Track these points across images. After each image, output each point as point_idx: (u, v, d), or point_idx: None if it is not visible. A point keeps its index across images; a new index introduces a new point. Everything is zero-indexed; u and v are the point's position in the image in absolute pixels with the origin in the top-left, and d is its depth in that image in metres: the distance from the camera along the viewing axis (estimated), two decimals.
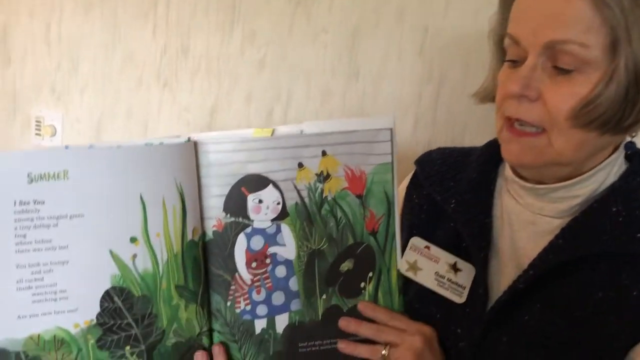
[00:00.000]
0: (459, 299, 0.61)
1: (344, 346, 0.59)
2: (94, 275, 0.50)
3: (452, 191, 0.65)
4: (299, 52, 1.01)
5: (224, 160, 0.56)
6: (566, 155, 0.53)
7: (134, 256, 0.51)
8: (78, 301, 0.50)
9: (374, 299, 0.61)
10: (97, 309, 0.51)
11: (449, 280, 0.61)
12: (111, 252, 0.50)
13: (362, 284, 0.61)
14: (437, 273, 0.62)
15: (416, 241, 0.62)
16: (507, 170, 0.64)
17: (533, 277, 0.55)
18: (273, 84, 1.03)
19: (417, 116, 0.94)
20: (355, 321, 0.59)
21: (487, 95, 0.63)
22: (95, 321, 0.51)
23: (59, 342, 0.50)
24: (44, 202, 0.47)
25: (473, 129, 0.92)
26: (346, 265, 0.60)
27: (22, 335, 0.48)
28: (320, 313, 0.60)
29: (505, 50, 0.57)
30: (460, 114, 0.92)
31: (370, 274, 0.61)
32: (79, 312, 0.50)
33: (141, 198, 0.51)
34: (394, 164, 0.59)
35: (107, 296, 0.51)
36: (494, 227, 0.63)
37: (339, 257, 0.60)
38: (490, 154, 0.67)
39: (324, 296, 0.60)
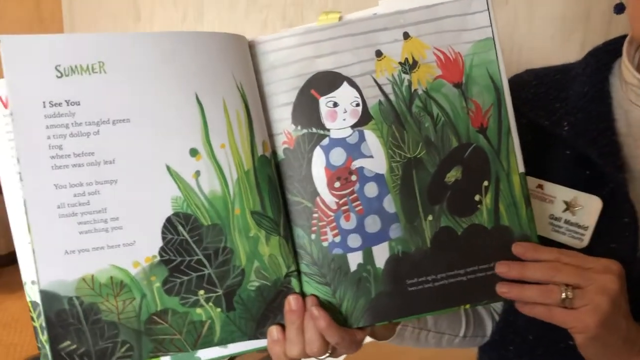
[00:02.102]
0: (580, 242, 0.49)
1: (505, 290, 0.46)
2: (149, 198, 0.41)
3: (560, 112, 0.54)
4: None
5: (287, 58, 0.46)
6: None
7: (197, 173, 0.42)
8: (135, 232, 0.41)
9: (495, 214, 0.48)
10: (159, 242, 0.42)
11: (567, 222, 0.50)
12: (168, 168, 0.41)
13: (477, 197, 0.48)
14: (551, 216, 0.50)
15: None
16: (627, 76, 0.53)
17: None
18: None
19: (584, 40, 0.77)
20: (515, 264, 0.46)
21: None
22: (158, 258, 0.42)
23: (118, 286, 0.41)
24: (79, 103, 0.39)
25: None
26: (453, 175, 0.48)
27: (73, 277, 0.40)
28: (428, 239, 0.47)
29: None
30: None
31: (486, 183, 0.48)
32: (137, 247, 0.41)
33: (197, 98, 0.42)
34: (496, 38, 0.47)
35: (169, 225, 0.42)
36: (623, 146, 0.51)
37: (443, 166, 0.47)
38: (598, 64, 0.56)
39: (430, 217, 0.47)
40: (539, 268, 0.44)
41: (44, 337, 0.45)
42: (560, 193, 0.50)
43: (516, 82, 0.60)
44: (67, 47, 0.38)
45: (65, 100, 0.39)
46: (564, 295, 0.42)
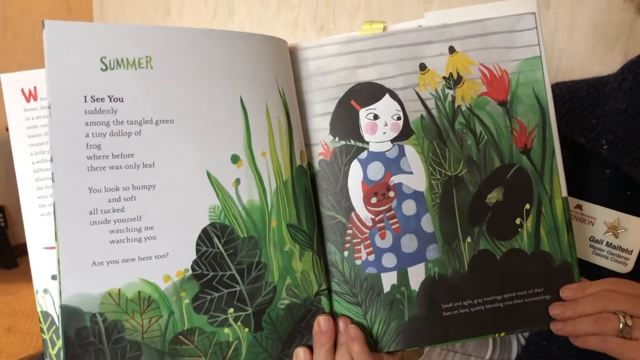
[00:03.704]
0: (624, 267, 0.47)
1: (560, 327, 0.44)
2: (187, 206, 0.38)
3: (598, 130, 0.52)
4: None
5: (328, 67, 0.44)
6: None
7: (237, 181, 0.39)
8: (169, 243, 0.38)
9: (535, 239, 0.46)
10: (193, 255, 0.39)
11: (609, 244, 0.48)
12: (209, 175, 0.39)
13: (518, 220, 0.46)
14: (592, 238, 0.49)
15: None
16: None
17: None
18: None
19: (626, 51, 0.73)
20: (568, 303, 0.44)
21: None
22: (190, 272, 0.39)
23: (145, 302, 0.38)
24: (122, 100, 0.36)
25: None
26: (494, 196, 0.46)
27: (99, 290, 0.36)
28: (466, 262, 0.45)
29: None
30: None
31: (527, 206, 0.46)
32: (170, 259, 0.38)
33: (242, 102, 0.39)
34: (544, 58, 0.46)
35: (204, 236, 0.39)
36: None
37: (484, 186, 0.46)
38: (636, 78, 0.53)
39: (469, 239, 0.45)
40: (591, 299, 0.42)
41: (54, 351, 0.42)
42: (601, 214, 0.48)
43: None
44: (115, 37, 0.36)
45: (109, 96, 0.35)
46: (621, 324, 0.40)
